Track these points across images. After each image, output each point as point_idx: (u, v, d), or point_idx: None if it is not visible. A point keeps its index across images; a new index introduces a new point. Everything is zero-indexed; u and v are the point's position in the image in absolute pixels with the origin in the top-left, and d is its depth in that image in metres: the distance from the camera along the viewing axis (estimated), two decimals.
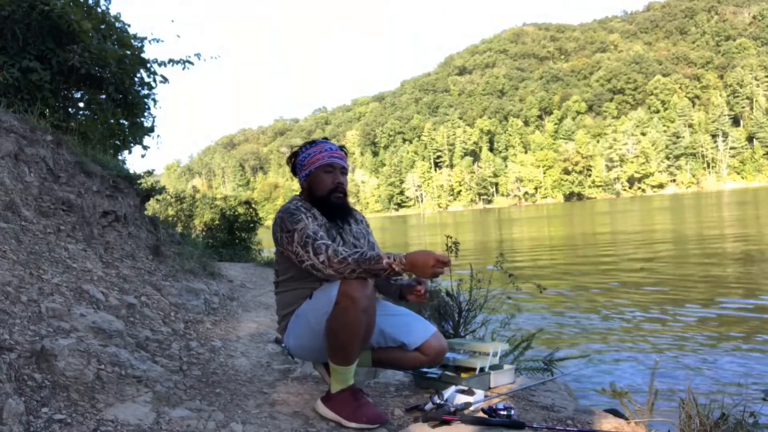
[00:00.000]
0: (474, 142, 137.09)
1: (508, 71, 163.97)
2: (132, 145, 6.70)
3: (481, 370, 2.57)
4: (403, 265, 2.05)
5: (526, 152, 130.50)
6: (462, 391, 2.32)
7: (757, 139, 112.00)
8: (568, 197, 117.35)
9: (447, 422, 2.08)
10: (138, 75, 6.34)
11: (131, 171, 5.17)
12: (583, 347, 6.87)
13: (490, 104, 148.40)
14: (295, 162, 2.42)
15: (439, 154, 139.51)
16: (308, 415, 2.25)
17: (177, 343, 2.98)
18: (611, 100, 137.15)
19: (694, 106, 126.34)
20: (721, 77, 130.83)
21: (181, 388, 2.34)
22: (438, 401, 2.17)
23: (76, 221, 3.85)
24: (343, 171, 2.39)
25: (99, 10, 6.11)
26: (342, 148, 2.46)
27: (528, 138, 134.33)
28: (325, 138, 2.48)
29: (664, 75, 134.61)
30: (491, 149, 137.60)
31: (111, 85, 5.85)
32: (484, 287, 5.12)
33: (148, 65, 6.39)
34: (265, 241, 11.19)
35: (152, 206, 10.13)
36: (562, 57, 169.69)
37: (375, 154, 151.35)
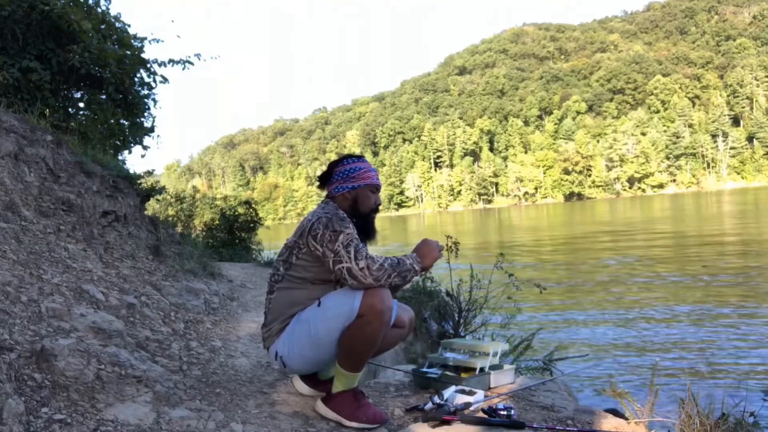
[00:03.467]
0: (474, 142, 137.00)
1: (508, 71, 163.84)
2: (132, 145, 6.69)
3: (481, 370, 2.57)
4: (419, 261, 2.18)
5: (526, 152, 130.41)
6: (462, 391, 2.32)
7: (757, 139, 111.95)
8: (568, 197, 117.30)
9: (447, 422, 2.08)
10: (138, 75, 6.33)
11: (131, 171, 5.17)
12: (583, 347, 6.88)
13: (490, 104, 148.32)
14: (333, 171, 2.38)
15: (439, 154, 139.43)
16: (308, 415, 2.25)
17: (177, 343, 2.98)
18: (611, 100, 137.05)
19: (694, 106, 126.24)
20: (721, 77, 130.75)
21: (181, 388, 2.34)
22: (438, 401, 2.17)
23: (76, 221, 3.85)
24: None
25: (99, 10, 6.11)
26: None
27: (528, 138, 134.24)
28: (361, 155, 2.48)
29: (664, 75, 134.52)
30: (491, 149, 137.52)
31: (111, 85, 5.85)
32: (485, 287, 5.13)
33: (148, 65, 6.38)
34: (265, 241, 11.18)
35: (152, 206, 10.11)
36: (562, 57, 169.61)
37: (375, 154, 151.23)
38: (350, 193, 2.34)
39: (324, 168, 2.45)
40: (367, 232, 2.36)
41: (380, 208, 2.46)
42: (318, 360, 2.22)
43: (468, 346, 2.78)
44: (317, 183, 2.48)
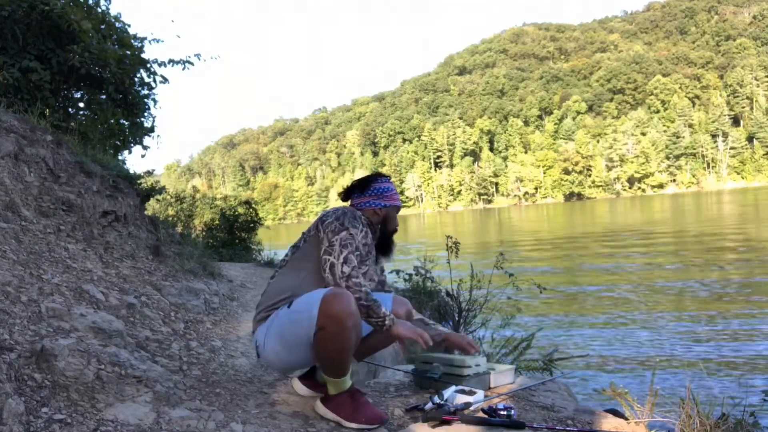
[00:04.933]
0: (474, 142, 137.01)
1: (508, 71, 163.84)
2: (132, 145, 6.70)
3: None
4: (392, 320, 2.11)
5: (526, 152, 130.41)
6: (462, 391, 2.32)
7: (757, 139, 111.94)
8: (568, 197, 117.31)
9: (447, 422, 2.08)
10: (138, 75, 6.33)
11: (131, 171, 5.17)
12: (583, 347, 6.87)
13: (490, 104, 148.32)
14: (371, 185, 2.43)
15: (439, 154, 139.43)
16: (308, 415, 2.25)
17: (177, 343, 2.98)
18: (611, 100, 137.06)
19: (694, 106, 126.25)
20: (721, 77, 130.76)
21: (181, 388, 2.34)
22: (438, 401, 2.17)
23: (76, 221, 3.85)
24: None
25: (99, 10, 6.11)
26: None
27: (528, 138, 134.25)
28: (388, 175, 2.55)
29: (664, 75, 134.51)
30: (491, 149, 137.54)
31: (111, 85, 5.85)
32: (485, 287, 5.13)
33: (148, 65, 6.39)
34: (265, 241, 11.18)
35: (152, 206, 10.12)
36: (562, 57, 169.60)
37: (375, 154, 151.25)
38: (382, 210, 2.43)
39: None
40: (387, 249, 2.46)
41: None
42: (289, 359, 2.20)
43: (444, 360, 2.66)
44: (342, 193, 2.50)
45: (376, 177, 2.48)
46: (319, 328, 1.99)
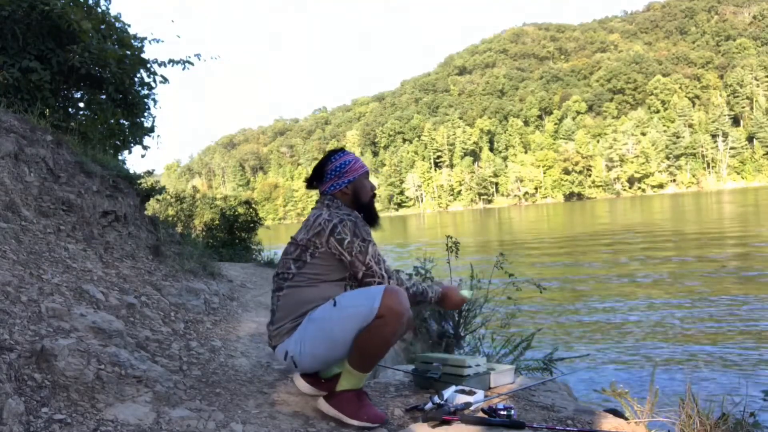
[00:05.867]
0: (474, 142, 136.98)
1: (508, 71, 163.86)
2: (132, 145, 6.69)
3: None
4: (439, 298, 2.42)
5: (526, 152, 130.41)
6: (462, 391, 2.32)
7: (757, 139, 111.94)
8: (568, 197, 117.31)
9: (447, 422, 2.08)
10: (138, 75, 6.33)
11: (131, 171, 5.16)
12: (584, 347, 6.88)
13: (490, 104, 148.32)
14: (325, 170, 2.39)
15: (439, 154, 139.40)
16: (308, 415, 2.25)
17: (177, 343, 2.98)
18: (611, 100, 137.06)
19: (694, 106, 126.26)
20: (721, 77, 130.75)
21: (181, 388, 2.34)
22: (438, 401, 2.17)
23: (76, 221, 3.85)
24: None
25: (99, 10, 6.11)
26: None
27: (528, 138, 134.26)
28: (342, 148, 2.51)
29: (664, 75, 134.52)
30: (491, 149, 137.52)
31: (111, 85, 5.85)
32: (485, 287, 5.12)
33: (148, 65, 6.38)
34: (265, 241, 11.18)
35: (152, 206, 10.12)
36: (562, 57, 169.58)
37: (375, 154, 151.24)
38: (348, 187, 2.38)
39: (309, 171, 2.49)
40: (371, 219, 2.42)
41: (380, 207, 2.48)
42: (328, 360, 2.22)
43: (444, 360, 2.69)
44: (306, 184, 2.49)
45: (328, 158, 2.42)
46: (378, 316, 2.05)
